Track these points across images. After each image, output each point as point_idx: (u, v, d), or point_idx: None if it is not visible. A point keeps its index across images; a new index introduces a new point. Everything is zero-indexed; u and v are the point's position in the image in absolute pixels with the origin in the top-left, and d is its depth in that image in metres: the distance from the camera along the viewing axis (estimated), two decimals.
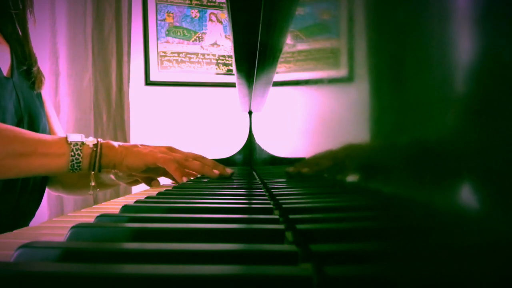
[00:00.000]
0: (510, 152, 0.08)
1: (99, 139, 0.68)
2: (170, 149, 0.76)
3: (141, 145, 0.73)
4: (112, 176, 0.81)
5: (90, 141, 0.67)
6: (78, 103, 1.89)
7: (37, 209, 0.81)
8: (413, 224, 0.12)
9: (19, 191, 0.72)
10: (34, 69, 0.78)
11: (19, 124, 0.72)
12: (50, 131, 0.84)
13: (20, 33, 0.77)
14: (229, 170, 0.79)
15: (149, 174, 0.79)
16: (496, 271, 0.09)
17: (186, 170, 0.75)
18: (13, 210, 0.72)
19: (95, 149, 0.67)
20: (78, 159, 0.65)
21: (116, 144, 0.70)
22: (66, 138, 0.65)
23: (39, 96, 0.81)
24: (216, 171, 0.77)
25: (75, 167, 0.65)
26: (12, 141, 0.61)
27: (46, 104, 0.85)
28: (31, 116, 0.75)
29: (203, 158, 0.79)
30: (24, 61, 0.78)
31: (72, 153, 0.64)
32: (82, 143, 0.66)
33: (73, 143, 0.65)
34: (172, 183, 0.81)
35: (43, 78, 0.81)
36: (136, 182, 0.85)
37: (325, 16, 0.27)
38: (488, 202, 0.09)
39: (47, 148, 0.63)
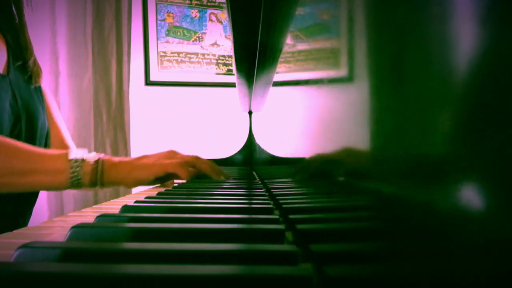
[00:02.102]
0: (510, 152, 0.08)
1: (101, 155, 0.68)
2: (174, 152, 0.75)
3: (144, 156, 0.73)
4: None
5: (92, 157, 0.66)
6: (78, 103, 1.89)
7: (33, 207, 0.80)
8: (413, 224, 0.12)
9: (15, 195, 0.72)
10: (30, 61, 0.78)
11: (16, 122, 0.71)
12: (50, 125, 0.83)
13: (17, 20, 0.76)
14: (227, 174, 0.81)
15: (158, 183, 0.78)
16: (496, 271, 0.09)
17: (191, 169, 0.75)
18: (13, 209, 0.72)
19: (95, 165, 0.66)
20: (78, 176, 0.64)
21: (117, 159, 0.70)
22: (67, 154, 0.65)
23: (38, 90, 0.80)
24: (221, 176, 0.78)
25: (75, 184, 0.64)
26: (12, 157, 0.61)
27: (46, 96, 0.84)
28: (29, 114, 0.74)
29: (199, 158, 0.79)
30: (20, 53, 0.77)
31: (72, 170, 0.64)
32: (83, 160, 0.65)
33: (73, 160, 0.64)
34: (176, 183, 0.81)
35: (40, 72, 0.80)
36: None
37: (325, 16, 0.27)
38: (489, 202, 0.09)
39: (47, 164, 0.63)
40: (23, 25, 0.78)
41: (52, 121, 0.84)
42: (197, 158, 0.78)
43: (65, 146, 0.85)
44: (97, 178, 0.65)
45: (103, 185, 0.67)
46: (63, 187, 0.64)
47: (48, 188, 0.65)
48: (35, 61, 0.80)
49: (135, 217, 0.33)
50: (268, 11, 0.49)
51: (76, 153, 0.65)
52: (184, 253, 0.22)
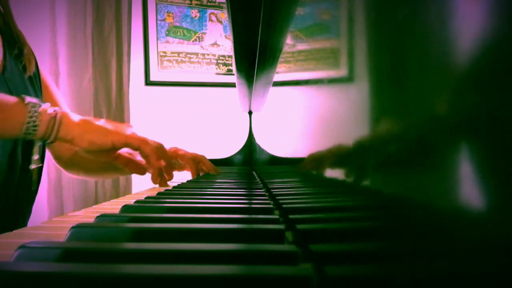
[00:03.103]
0: (510, 152, 0.08)
1: (55, 108, 0.62)
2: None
3: (111, 122, 0.67)
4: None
5: (49, 108, 0.60)
6: (78, 103, 1.89)
7: (32, 207, 0.80)
8: (413, 224, 0.12)
9: (16, 189, 0.71)
10: (25, 50, 0.76)
11: None
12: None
13: (2, 10, 0.74)
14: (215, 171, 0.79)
15: (105, 158, 0.70)
16: (496, 271, 0.09)
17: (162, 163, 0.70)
18: (12, 209, 0.72)
19: (53, 116, 0.60)
20: (35, 122, 0.58)
21: (78, 116, 0.64)
22: (23, 98, 0.59)
23: (34, 78, 0.78)
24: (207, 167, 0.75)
25: (29, 131, 0.58)
26: None
27: (47, 81, 0.82)
28: None
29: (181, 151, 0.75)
30: (13, 42, 0.75)
31: (30, 115, 0.58)
32: (40, 105, 0.59)
33: (31, 103, 0.58)
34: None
35: (32, 58, 0.77)
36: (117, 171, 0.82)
37: (325, 16, 0.27)
38: (489, 202, 0.09)
39: (2, 103, 0.57)
40: (9, 13, 0.75)
41: (52, 99, 0.82)
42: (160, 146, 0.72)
43: None
44: (52, 130, 0.59)
45: (55, 139, 0.61)
46: (15, 132, 0.58)
47: (2, 131, 0.58)
48: (30, 51, 0.77)
49: (135, 217, 0.33)
50: (268, 11, 0.49)
51: (30, 98, 0.59)
52: (184, 253, 0.22)
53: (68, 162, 0.88)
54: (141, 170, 0.76)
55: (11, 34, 0.75)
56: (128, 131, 0.66)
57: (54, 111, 0.60)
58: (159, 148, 0.69)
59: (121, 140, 0.64)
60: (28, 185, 0.75)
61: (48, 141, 0.60)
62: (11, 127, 0.58)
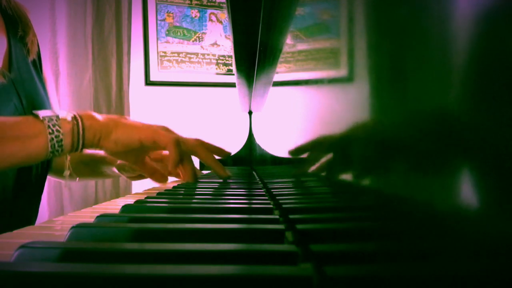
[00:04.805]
0: (510, 152, 0.08)
1: (70, 113, 0.55)
2: (167, 129, 0.62)
3: (132, 120, 0.61)
4: (115, 169, 0.75)
5: (66, 114, 0.53)
6: (78, 103, 1.89)
7: (38, 208, 0.79)
8: (413, 224, 0.12)
9: (12, 192, 0.68)
10: (30, 33, 0.72)
11: None
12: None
13: None
14: (228, 173, 0.73)
15: (134, 160, 0.64)
16: (496, 271, 0.09)
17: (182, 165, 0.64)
18: (9, 213, 0.70)
19: (75, 122, 0.53)
20: (59, 136, 0.51)
21: (98, 115, 0.57)
22: (36, 115, 0.52)
23: (38, 59, 0.75)
24: (226, 172, 0.68)
25: (57, 147, 0.51)
26: None
27: (45, 75, 0.79)
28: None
29: (204, 144, 0.67)
30: (17, 25, 0.71)
31: (50, 130, 0.51)
32: (58, 117, 0.52)
33: (47, 118, 0.51)
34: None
35: (34, 39, 0.74)
36: (140, 177, 0.76)
37: (325, 16, 0.27)
38: (489, 202, 0.09)
39: (15, 130, 0.50)
40: None
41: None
42: (201, 143, 0.66)
43: None
44: (78, 138, 0.53)
45: (84, 147, 0.54)
46: (43, 154, 0.51)
47: (26, 159, 0.51)
48: (32, 30, 0.74)
49: (135, 217, 0.33)
50: (268, 11, 0.49)
51: (44, 112, 0.53)
52: (184, 253, 0.22)
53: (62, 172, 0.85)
54: (164, 180, 0.70)
55: (12, 13, 0.72)
56: (158, 128, 0.60)
57: (72, 115, 0.54)
58: (186, 152, 0.61)
59: (148, 137, 0.57)
60: (26, 186, 0.74)
61: (78, 151, 0.54)
62: (35, 152, 0.51)
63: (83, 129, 0.54)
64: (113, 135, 0.56)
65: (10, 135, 0.49)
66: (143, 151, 0.62)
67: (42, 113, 0.52)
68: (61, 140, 0.51)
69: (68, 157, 0.59)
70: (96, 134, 0.55)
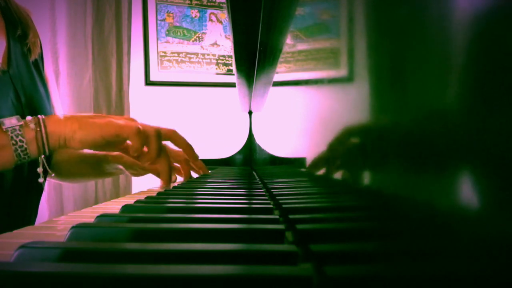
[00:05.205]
0: (509, 152, 0.08)
1: (39, 116, 0.56)
2: (131, 120, 0.63)
3: (97, 115, 0.61)
4: (120, 166, 0.76)
5: (30, 120, 0.55)
6: (78, 103, 1.89)
7: (38, 208, 0.79)
8: (412, 224, 0.12)
9: (10, 194, 0.69)
10: (30, 33, 0.73)
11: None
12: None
13: None
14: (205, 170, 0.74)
15: (107, 152, 0.65)
16: (496, 271, 0.09)
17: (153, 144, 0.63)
18: (6, 214, 0.69)
19: (38, 129, 0.54)
20: (22, 146, 0.53)
21: (62, 116, 0.58)
22: (1, 123, 0.53)
23: (41, 60, 0.76)
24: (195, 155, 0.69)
25: (22, 156, 0.53)
26: None
27: (47, 75, 0.80)
28: (33, 111, 0.70)
29: (178, 137, 0.68)
30: (16, 24, 0.72)
31: (14, 141, 0.53)
32: (21, 126, 0.53)
33: (10, 129, 0.53)
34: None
35: (37, 40, 0.74)
36: (144, 172, 0.77)
37: (325, 16, 0.27)
38: (489, 202, 0.09)
39: None
40: None
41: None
42: (173, 132, 0.67)
43: None
44: (43, 143, 0.54)
45: (50, 151, 0.56)
46: (12, 162, 0.53)
47: None
48: (34, 31, 0.75)
49: (135, 217, 0.33)
50: (268, 11, 0.49)
51: (9, 121, 0.54)
52: (184, 253, 0.22)
53: (64, 174, 0.85)
54: (170, 179, 0.69)
55: (11, 13, 0.73)
56: (121, 122, 0.60)
57: (36, 121, 0.55)
58: (146, 136, 0.62)
59: (110, 132, 0.58)
60: (23, 187, 0.73)
61: (47, 154, 0.56)
62: (2, 162, 0.53)
63: (46, 135, 0.55)
64: (77, 135, 0.57)
65: None
66: (118, 143, 0.63)
67: (7, 123, 0.54)
68: (26, 149, 0.53)
69: (42, 156, 0.60)
70: (60, 137, 0.56)
